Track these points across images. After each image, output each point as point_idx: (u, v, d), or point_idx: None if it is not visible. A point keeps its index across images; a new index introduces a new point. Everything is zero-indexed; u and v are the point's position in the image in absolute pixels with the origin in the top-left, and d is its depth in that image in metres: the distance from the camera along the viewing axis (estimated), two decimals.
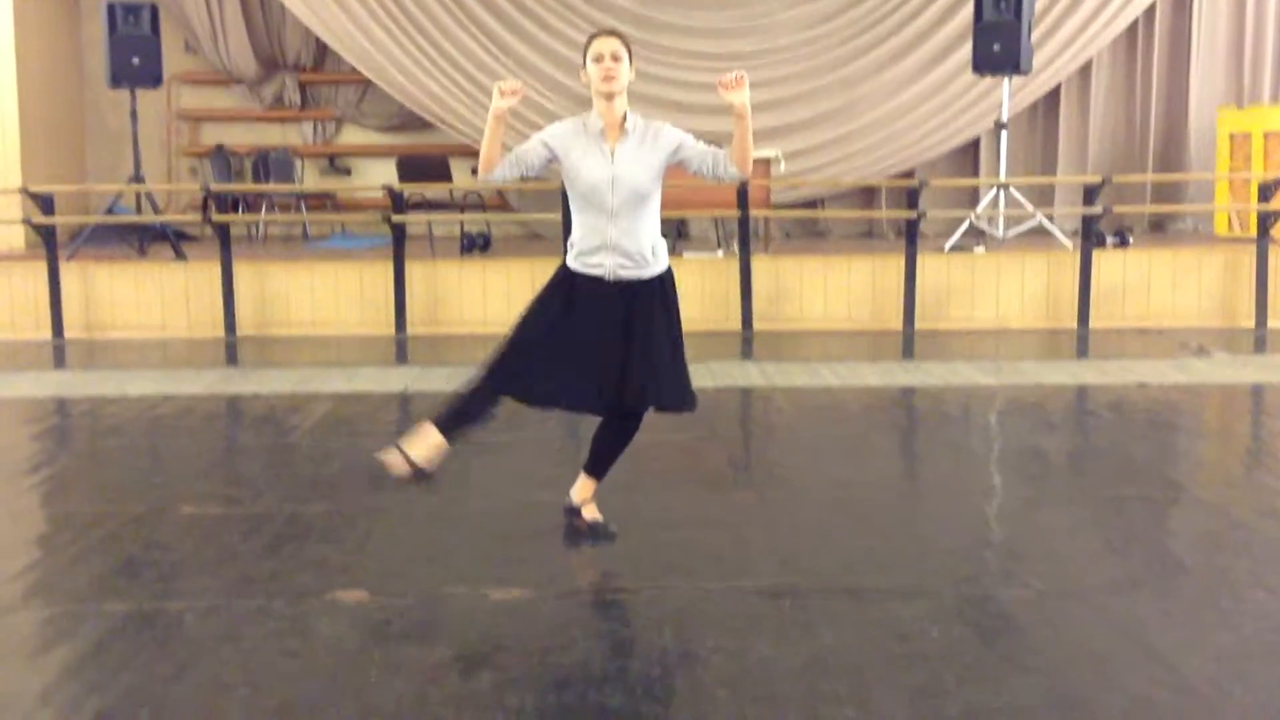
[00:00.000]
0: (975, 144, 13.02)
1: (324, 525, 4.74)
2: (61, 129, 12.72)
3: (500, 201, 13.03)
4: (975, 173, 12.92)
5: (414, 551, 4.46)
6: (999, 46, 10.80)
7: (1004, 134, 11.18)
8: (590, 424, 4.46)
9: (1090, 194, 9.87)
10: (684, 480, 5.01)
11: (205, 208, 10.66)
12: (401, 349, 9.26)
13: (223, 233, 9.70)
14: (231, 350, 9.26)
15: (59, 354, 9.22)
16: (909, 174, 12.49)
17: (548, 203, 10.28)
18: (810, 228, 13.18)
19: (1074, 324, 9.69)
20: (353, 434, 6.42)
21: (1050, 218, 11.16)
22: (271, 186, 12.79)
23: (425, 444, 4.25)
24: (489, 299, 9.88)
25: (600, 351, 4.19)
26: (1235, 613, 3.80)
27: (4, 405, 7.25)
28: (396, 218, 9.76)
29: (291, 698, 3.23)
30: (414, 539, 4.62)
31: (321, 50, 13.26)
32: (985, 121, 12.32)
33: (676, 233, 11.21)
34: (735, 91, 4.04)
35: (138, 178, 10.95)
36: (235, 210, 12.53)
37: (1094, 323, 9.67)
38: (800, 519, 4.85)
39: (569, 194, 4.29)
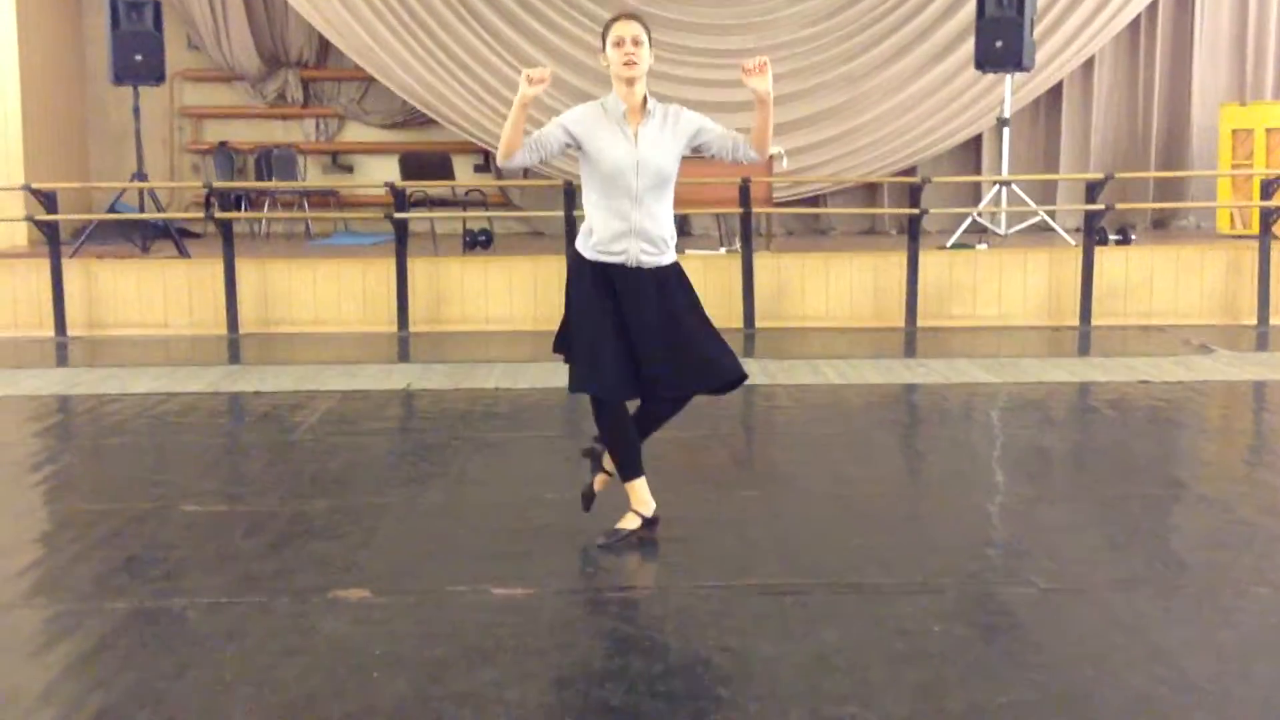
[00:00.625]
0: (977, 141, 13.02)
1: (326, 523, 4.75)
2: (64, 126, 12.74)
3: (503, 199, 13.05)
4: (977, 169, 12.92)
5: (416, 549, 4.47)
6: (1001, 43, 10.79)
7: (1006, 131, 11.18)
8: (588, 427, 4.46)
9: (1092, 191, 9.86)
10: (686, 478, 5.01)
11: (208, 205, 10.65)
12: (404, 346, 9.26)
13: (225, 230, 9.71)
14: (234, 348, 9.27)
15: (62, 351, 9.23)
16: (911, 171, 12.49)
17: (550, 200, 10.29)
18: (812, 224, 13.19)
19: (1076, 321, 9.69)
20: (355, 432, 6.42)
21: (1052, 214, 11.16)
22: (274, 184, 12.80)
23: (636, 493, 4.38)
24: (491, 296, 9.88)
25: (641, 337, 4.26)
26: (1237, 610, 3.80)
27: (7, 403, 7.25)
28: (399, 215, 9.77)
29: (294, 695, 3.23)
30: (416, 537, 4.63)
31: (324, 47, 13.26)
32: (987, 118, 12.32)
33: (678, 229, 11.19)
34: (758, 77, 4.14)
35: (141, 175, 10.96)
36: (238, 207, 12.55)
37: (1096, 320, 9.67)
38: (802, 517, 4.85)
39: (587, 181, 4.31)
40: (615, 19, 4.28)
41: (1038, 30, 11.43)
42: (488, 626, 3.67)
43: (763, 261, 9.81)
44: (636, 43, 4.20)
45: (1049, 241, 10.52)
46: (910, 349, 8.98)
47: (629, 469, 4.40)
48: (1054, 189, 12.64)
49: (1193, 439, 6.47)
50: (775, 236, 11.60)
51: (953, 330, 9.60)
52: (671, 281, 4.35)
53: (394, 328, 9.72)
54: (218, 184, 11.29)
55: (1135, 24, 12.83)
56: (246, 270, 9.79)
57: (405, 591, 4.00)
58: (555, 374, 7.53)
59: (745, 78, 4.16)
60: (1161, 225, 12.89)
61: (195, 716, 3.13)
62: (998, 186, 10.90)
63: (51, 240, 9.62)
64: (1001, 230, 10.98)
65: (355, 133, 13.75)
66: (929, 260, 9.80)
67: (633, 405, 4.46)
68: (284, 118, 13.63)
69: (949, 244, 10.34)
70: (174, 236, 10.71)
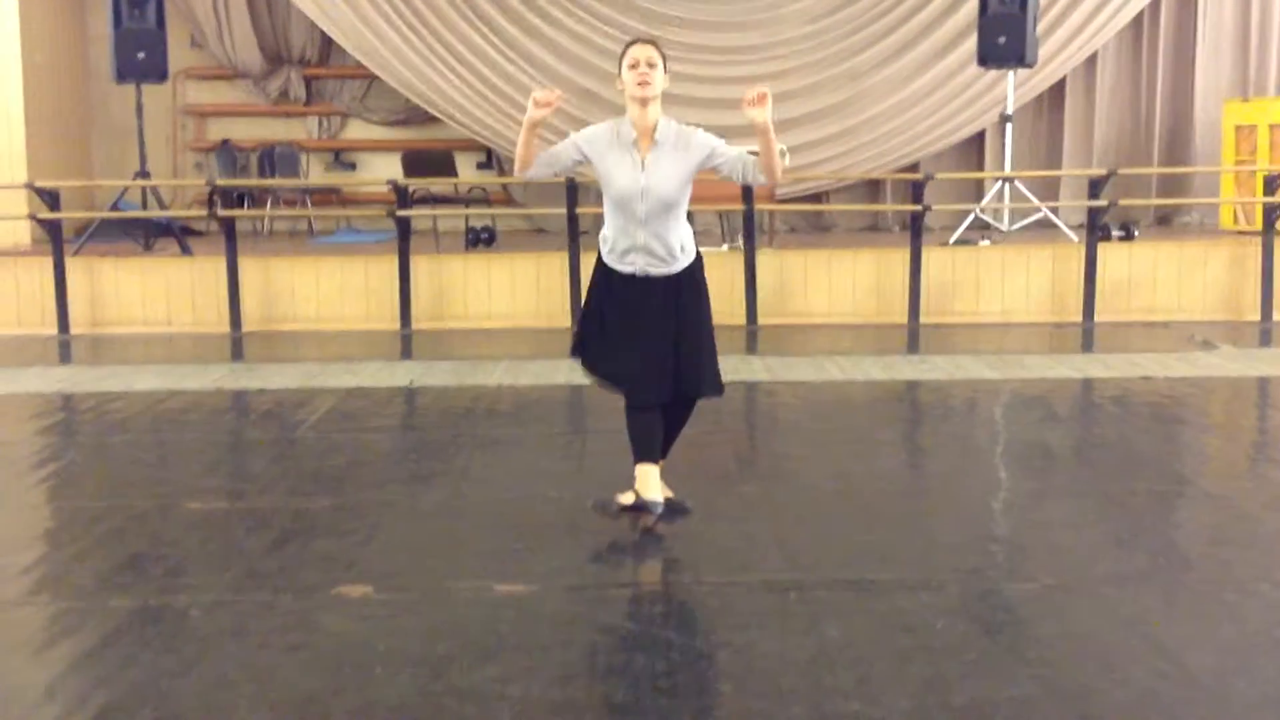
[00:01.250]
0: (980, 137, 12.99)
1: (329, 520, 4.75)
2: (67, 124, 12.73)
3: (505, 196, 13.03)
4: (980, 166, 12.90)
5: (419, 546, 4.47)
6: (1004, 39, 10.78)
7: (1009, 127, 11.16)
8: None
9: (1095, 187, 9.85)
10: (689, 474, 4.99)
11: (211, 203, 10.65)
12: (406, 344, 9.26)
13: (228, 228, 9.71)
14: (237, 345, 9.28)
15: (64, 349, 9.24)
16: (914, 167, 12.46)
17: (553, 197, 10.27)
18: (815, 221, 13.17)
19: (1079, 317, 9.68)
20: (358, 429, 6.43)
21: (1055, 211, 11.14)
22: (277, 181, 12.80)
23: (645, 481, 4.37)
24: (494, 294, 9.89)
25: (648, 343, 4.37)
26: (1240, 606, 3.79)
27: (10, 400, 7.26)
28: (401, 212, 9.77)
29: (297, 692, 3.23)
30: (419, 533, 4.63)
31: (326, 45, 13.25)
32: (990, 114, 12.30)
33: None
34: (758, 109, 4.18)
35: (143, 173, 10.96)
36: (241, 205, 12.54)
37: (1099, 316, 9.66)
38: (805, 513, 4.85)
39: (603, 192, 4.43)
40: (631, 42, 4.41)
41: (1040, 26, 11.40)
42: (490, 623, 3.68)
43: (765, 258, 9.81)
44: (650, 65, 4.30)
45: (1052, 238, 10.50)
46: (913, 345, 8.98)
47: (642, 453, 4.42)
48: (1057, 185, 12.62)
49: (1196, 435, 6.47)
50: (778, 233, 11.59)
51: (955, 326, 9.59)
52: (683, 291, 4.43)
53: (396, 325, 9.72)
54: (220, 182, 11.28)
55: (1138, 20, 12.80)
56: (249, 268, 9.79)
57: (408, 588, 4.01)
58: (558, 371, 7.55)
59: (745, 109, 4.20)
60: (1165, 221, 12.86)
61: (198, 714, 3.14)
62: (1000, 183, 10.89)
63: (54, 238, 9.63)
64: (1004, 226, 10.97)
65: (358, 130, 13.74)
66: (932, 256, 9.80)
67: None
68: (287, 115, 13.62)
69: (952, 240, 10.33)
70: (176, 234, 10.71)
